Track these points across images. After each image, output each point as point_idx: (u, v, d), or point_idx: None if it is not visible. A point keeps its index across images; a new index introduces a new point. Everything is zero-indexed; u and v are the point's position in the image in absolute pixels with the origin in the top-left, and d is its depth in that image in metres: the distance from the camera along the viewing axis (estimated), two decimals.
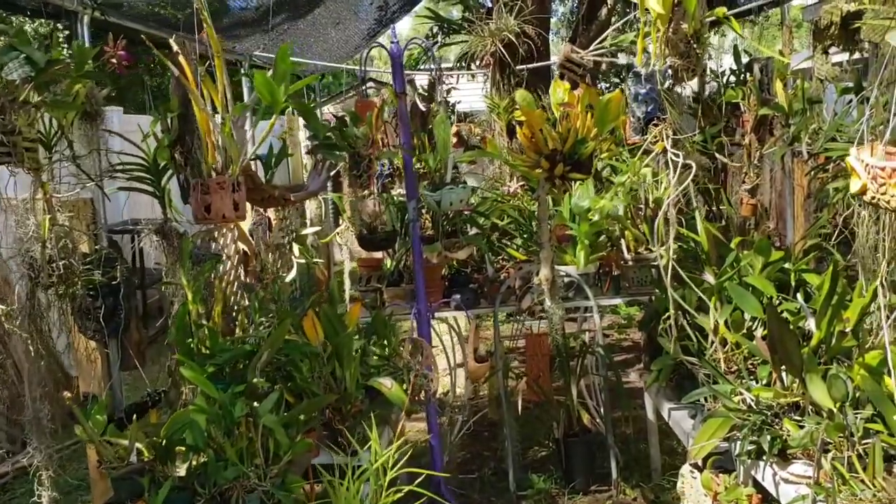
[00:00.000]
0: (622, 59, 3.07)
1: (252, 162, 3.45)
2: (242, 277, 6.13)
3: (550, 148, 3.32)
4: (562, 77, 3.49)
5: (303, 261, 6.39)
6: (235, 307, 3.57)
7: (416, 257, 3.64)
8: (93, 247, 3.50)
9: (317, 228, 6.52)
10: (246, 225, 6.24)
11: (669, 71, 2.52)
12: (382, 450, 2.57)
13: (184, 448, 2.62)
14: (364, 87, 3.65)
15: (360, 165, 3.36)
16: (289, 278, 6.45)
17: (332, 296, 3.38)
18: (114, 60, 2.44)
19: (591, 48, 3.21)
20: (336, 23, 6.63)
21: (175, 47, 2.27)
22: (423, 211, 4.00)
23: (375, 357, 3.58)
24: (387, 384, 3.06)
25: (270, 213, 6.15)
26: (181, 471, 2.63)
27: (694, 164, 2.77)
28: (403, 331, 4.30)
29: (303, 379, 3.14)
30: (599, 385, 4.37)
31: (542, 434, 4.82)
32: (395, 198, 4.45)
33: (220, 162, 2.29)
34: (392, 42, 3.58)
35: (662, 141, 2.79)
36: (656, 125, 2.92)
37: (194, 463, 2.62)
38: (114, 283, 3.33)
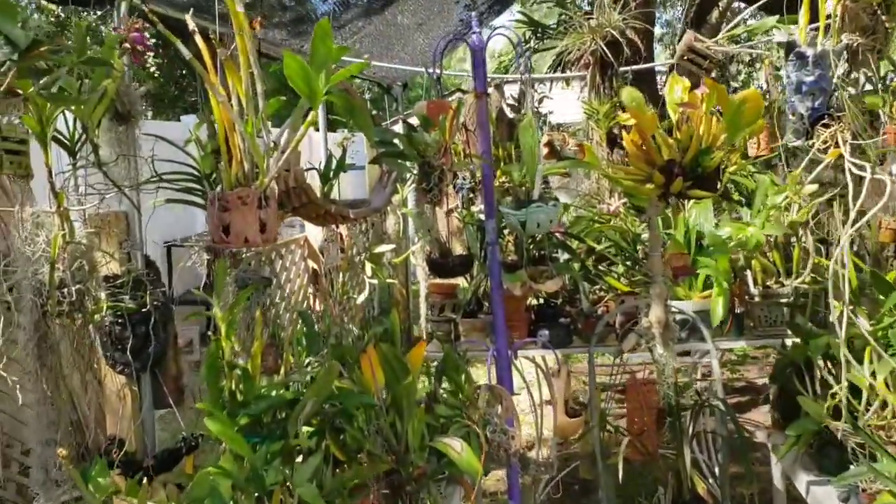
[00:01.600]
0: (777, 36, 2.47)
1: (308, 172, 3.01)
2: (311, 298, 5.75)
3: (666, 158, 2.75)
4: (680, 72, 2.92)
5: (375, 281, 5.96)
6: (281, 339, 3.12)
7: (494, 288, 3.12)
8: (126, 267, 3.12)
9: (392, 246, 6.08)
10: (317, 241, 5.86)
11: (846, 52, 1.92)
12: None
13: None
14: (439, 87, 3.15)
15: (430, 177, 2.87)
16: (360, 299, 6.05)
17: (393, 332, 2.89)
18: (126, 44, 2.01)
19: (722, 34, 2.63)
20: (419, 24, 6.20)
21: (191, 25, 1.83)
22: (505, 232, 3.47)
23: (445, 406, 3.07)
24: (456, 447, 2.54)
25: (343, 229, 5.74)
26: None
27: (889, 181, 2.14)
28: (480, 371, 3.80)
29: (355, 433, 2.65)
30: (716, 445, 3.73)
31: (645, 497, 4.19)
32: (475, 215, 3.94)
33: (245, 170, 1.83)
34: (473, 32, 3.09)
35: (838, 146, 2.18)
36: (826, 126, 2.32)
37: None
38: (143, 309, 2.93)
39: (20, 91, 1.97)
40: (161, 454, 3.12)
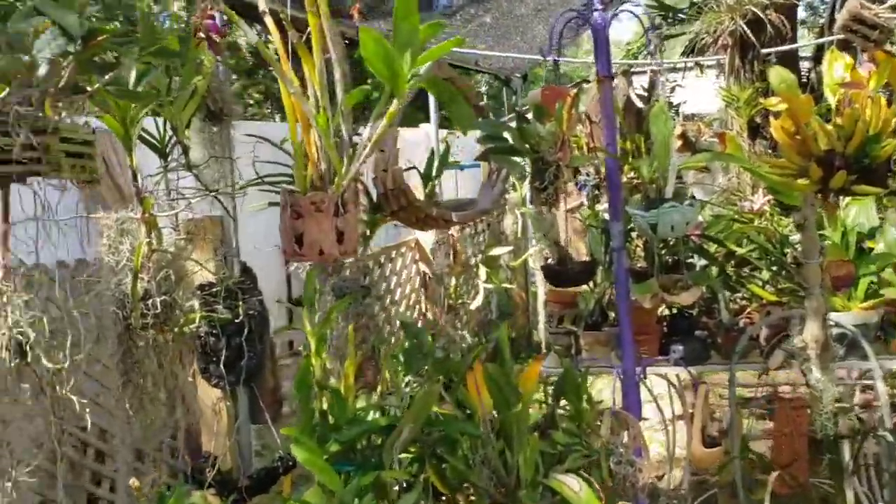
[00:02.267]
0: None
1: (407, 172, 2.77)
2: (422, 304, 5.54)
3: (824, 148, 2.33)
4: (843, 46, 2.49)
5: (490, 286, 5.69)
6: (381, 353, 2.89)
7: (620, 300, 2.78)
8: (220, 275, 2.97)
9: (508, 249, 5.79)
10: (428, 244, 5.65)
11: None
12: None
13: None
14: (556, 73, 2.84)
15: (544, 175, 2.56)
16: (474, 305, 5.79)
17: (502, 348, 2.60)
18: (201, 34, 1.81)
19: None
20: (538, 10, 5.88)
21: (262, 6, 1.60)
22: (634, 235, 3.11)
23: (563, 432, 2.75)
24: (574, 486, 2.23)
25: (455, 230, 5.50)
26: None
27: None
28: (605, 383, 3.45)
29: (458, 464, 2.38)
30: (881, 480, 3.23)
31: None
32: (600, 215, 3.59)
33: (322, 172, 1.59)
34: (595, 9, 2.75)
35: None
36: None
37: None
38: (237, 320, 2.76)
39: (87, 87, 1.80)
40: (257, 473, 2.95)
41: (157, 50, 1.83)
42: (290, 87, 1.52)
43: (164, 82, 2.55)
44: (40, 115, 1.68)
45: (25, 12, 1.57)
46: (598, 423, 2.76)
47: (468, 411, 2.57)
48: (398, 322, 4.39)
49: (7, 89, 1.73)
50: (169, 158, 2.65)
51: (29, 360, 1.91)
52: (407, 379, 2.64)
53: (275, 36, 1.56)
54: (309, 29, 1.58)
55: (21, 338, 1.87)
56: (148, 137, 2.62)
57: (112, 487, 3.00)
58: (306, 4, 1.51)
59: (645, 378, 3.07)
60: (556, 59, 2.98)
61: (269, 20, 1.58)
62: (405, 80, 1.51)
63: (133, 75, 2.31)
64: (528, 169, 2.73)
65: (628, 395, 2.86)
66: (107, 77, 1.79)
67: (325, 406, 2.37)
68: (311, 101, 1.58)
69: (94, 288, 2.43)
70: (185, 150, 2.62)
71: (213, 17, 1.84)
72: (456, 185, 6.15)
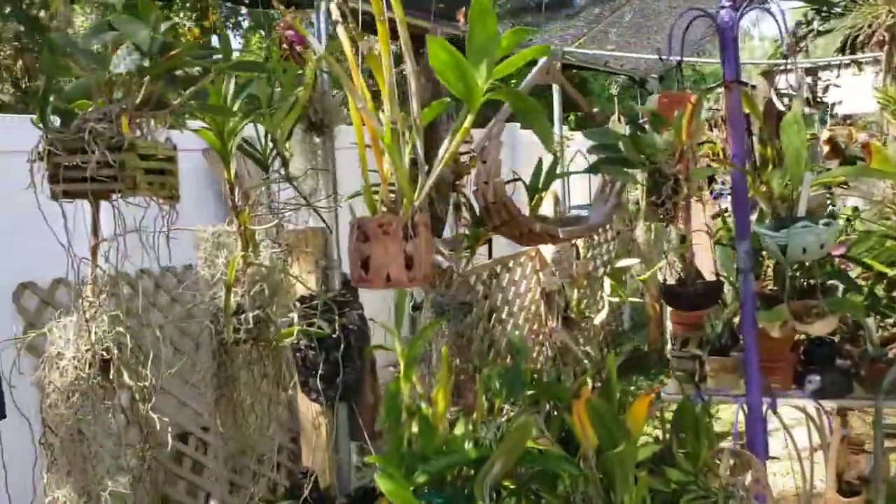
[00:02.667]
0: None
1: (512, 185, 2.63)
2: (543, 317, 5.35)
3: None
4: None
5: (615, 299, 5.44)
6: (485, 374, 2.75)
7: (745, 328, 2.52)
8: (320, 287, 2.94)
9: (636, 261, 5.51)
10: (550, 253, 5.45)
11: None
12: None
13: None
14: (679, 76, 2.62)
15: (661, 188, 2.35)
16: (598, 319, 5.54)
17: (611, 381, 2.40)
18: (284, 46, 1.75)
19: None
20: (672, 7, 5.57)
21: (335, 14, 1.51)
22: (764, 255, 2.84)
23: (678, 469, 2.52)
24: None
25: (581, 239, 5.27)
26: None
27: None
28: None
29: (555, 503, 2.22)
30: None
31: None
32: (731, 231, 3.30)
33: (394, 192, 1.48)
34: (721, 6, 2.51)
35: None
36: None
37: None
38: (335, 334, 2.72)
39: (169, 102, 1.77)
40: (355, 493, 2.90)
41: (238, 63, 1.78)
42: (359, 102, 1.42)
43: (266, 93, 2.54)
44: (117, 132, 1.66)
45: (98, 28, 1.54)
46: (717, 462, 2.52)
47: (570, 444, 2.40)
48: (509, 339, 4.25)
49: (91, 107, 1.72)
50: (270, 170, 2.63)
51: (122, 374, 1.90)
52: (505, 406, 2.49)
53: (345, 45, 1.46)
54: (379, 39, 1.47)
55: (114, 353, 1.87)
56: (249, 149, 2.61)
57: (207, 500, 3.03)
58: (374, 11, 1.40)
59: (775, 412, 2.78)
60: (680, 60, 2.75)
61: (341, 30, 1.48)
62: (480, 94, 1.37)
63: (231, 88, 2.31)
64: (642, 182, 2.53)
65: (752, 431, 2.59)
66: (188, 91, 1.75)
67: (414, 432, 2.26)
68: (387, 113, 1.46)
69: (186, 300, 2.44)
70: (285, 162, 2.59)
71: (293, 29, 1.76)
72: (565, 189, 5.88)
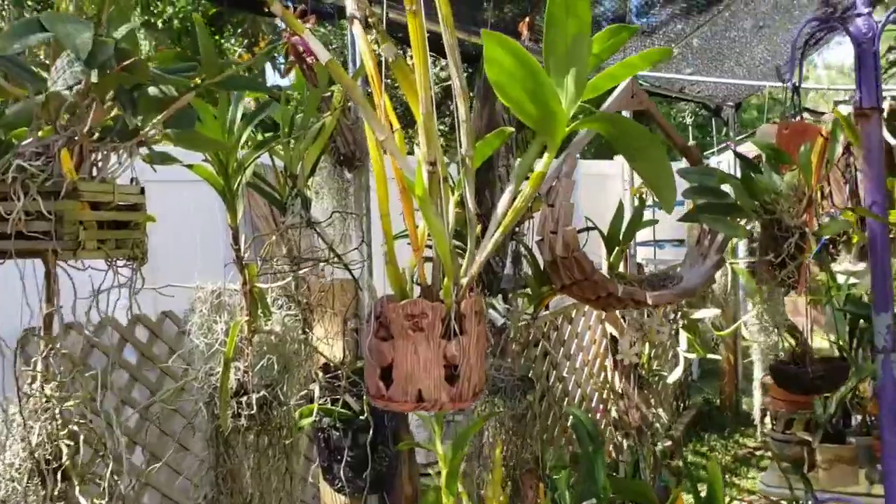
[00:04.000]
0: None
1: (582, 234, 2.16)
2: (609, 371, 4.81)
3: None
4: None
5: (692, 355, 4.87)
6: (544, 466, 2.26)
7: (885, 422, 1.98)
8: (348, 354, 2.48)
9: (715, 312, 4.94)
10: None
11: None
12: None
13: None
14: (794, 102, 2.12)
15: (781, 246, 1.85)
16: (672, 378, 4.97)
17: (716, 496, 1.89)
18: (292, 58, 1.31)
19: None
20: (759, 27, 5.05)
21: (349, 7, 1.06)
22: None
23: None
24: None
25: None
26: None
27: None
28: None
29: None
30: None
31: None
32: (847, 291, 2.77)
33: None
34: (857, 13, 2.01)
35: None
36: None
37: None
38: (363, 415, 2.26)
39: (137, 130, 1.34)
40: None
41: (228, 80, 1.34)
42: (380, 133, 0.96)
43: (287, 119, 2.12)
44: (57, 172, 1.24)
45: (22, 28, 1.12)
46: None
47: None
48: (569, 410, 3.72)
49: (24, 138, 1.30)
50: (288, 212, 2.20)
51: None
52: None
53: (367, 57, 1.01)
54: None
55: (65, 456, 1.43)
56: (264, 186, 2.18)
57: None
58: (406, 6, 0.94)
59: None
60: (796, 84, 2.25)
61: (357, 31, 1.03)
62: (564, 120, 0.91)
63: (239, 113, 1.88)
64: (755, 234, 2.03)
65: None
66: (161, 116, 1.32)
67: None
68: (423, 150, 1.00)
69: (184, 377, 2.00)
70: (305, 203, 2.15)
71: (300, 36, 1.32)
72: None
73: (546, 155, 0.95)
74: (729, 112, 6.88)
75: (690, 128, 5.98)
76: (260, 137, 2.07)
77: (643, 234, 7.34)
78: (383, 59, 1.01)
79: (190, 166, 1.81)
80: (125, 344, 2.95)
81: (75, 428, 1.45)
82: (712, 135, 6.85)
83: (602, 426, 4.36)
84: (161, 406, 2.63)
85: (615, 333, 4.74)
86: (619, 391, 4.03)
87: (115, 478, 1.53)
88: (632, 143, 0.97)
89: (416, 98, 0.97)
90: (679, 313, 5.61)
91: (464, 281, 1.01)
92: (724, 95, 6.25)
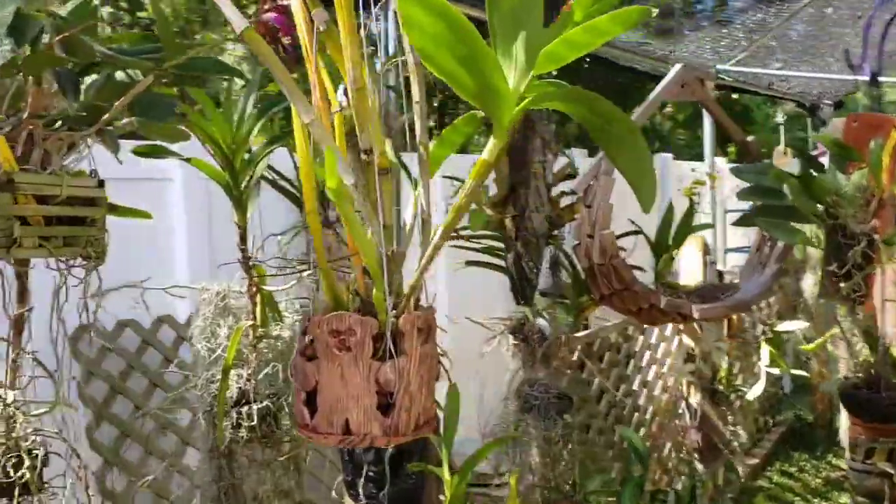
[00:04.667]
0: None
1: (625, 241, 1.97)
2: (684, 387, 4.53)
3: None
4: None
5: (776, 370, 4.53)
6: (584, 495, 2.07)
7: None
8: None
9: (803, 324, 4.58)
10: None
11: None
12: None
13: None
14: (874, 88, 1.87)
15: (846, 254, 1.62)
16: (752, 395, 4.65)
17: None
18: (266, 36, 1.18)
19: None
20: (857, 16, 4.70)
21: None
22: None
23: None
24: None
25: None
26: None
27: None
28: None
29: None
30: None
31: None
32: None
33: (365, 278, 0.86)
34: None
35: None
36: None
37: None
38: None
39: (101, 116, 1.24)
40: None
41: (189, 63, 1.21)
42: (306, 116, 0.81)
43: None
44: None
45: None
46: None
47: None
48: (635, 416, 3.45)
49: None
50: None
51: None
52: None
53: (301, 26, 0.86)
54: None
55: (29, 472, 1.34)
56: (280, 181, 2.07)
57: None
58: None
59: None
60: (876, 73, 1.99)
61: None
62: (512, 97, 0.73)
63: (249, 105, 1.77)
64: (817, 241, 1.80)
65: None
66: (117, 103, 1.21)
67: None
68: (367, 135, 0.85)
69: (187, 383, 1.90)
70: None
71: (280, 10, 1.18)
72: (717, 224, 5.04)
73: (493, 140, 0.78)
74: (827, 111, 6.45)
75: (782, 128, 5.59)
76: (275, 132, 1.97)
77: (734, 240, 6.95)
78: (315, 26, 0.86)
79: (188, 160, 1.71)
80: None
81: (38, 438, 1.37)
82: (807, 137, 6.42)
83: (665, 448, 4.11)
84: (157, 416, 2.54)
85: (693, 346, 4.47)
86: (686, 408, 3.77)
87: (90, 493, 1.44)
88: (609, 128, 0.79)
89: (342, 62, 0.82)
90: (765, 325, 5.26)
91: (406, 293, 0.85)
92: (819, 92, 5.83)
